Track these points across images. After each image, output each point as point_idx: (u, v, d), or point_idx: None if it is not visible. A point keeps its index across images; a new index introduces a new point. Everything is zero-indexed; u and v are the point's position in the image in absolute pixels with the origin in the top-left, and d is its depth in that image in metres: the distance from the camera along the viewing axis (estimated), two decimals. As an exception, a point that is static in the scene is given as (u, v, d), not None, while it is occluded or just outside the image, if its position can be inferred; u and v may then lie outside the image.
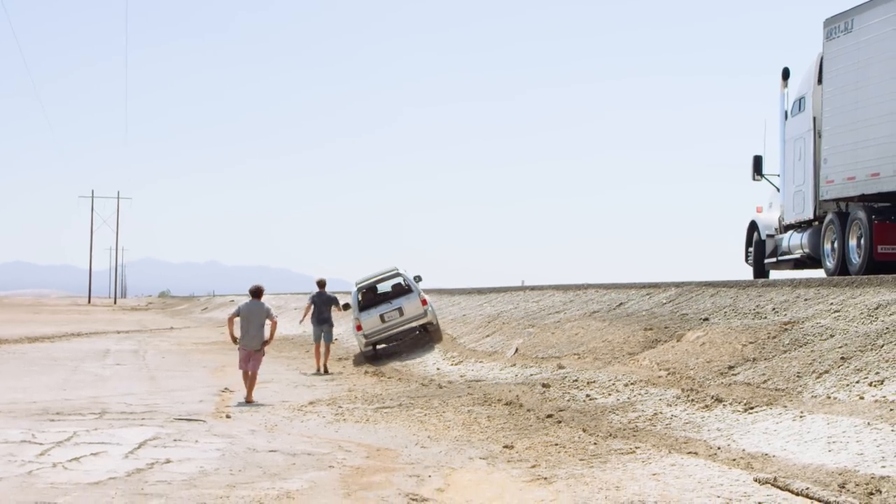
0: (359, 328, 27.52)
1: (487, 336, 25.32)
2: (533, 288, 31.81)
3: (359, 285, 28.44)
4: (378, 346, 28.15)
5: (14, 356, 29.84)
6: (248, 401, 18.04)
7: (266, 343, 18.67)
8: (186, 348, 35.81)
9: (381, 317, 27.53)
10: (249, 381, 18.37)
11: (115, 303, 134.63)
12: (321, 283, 26.49)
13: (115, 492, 9.93)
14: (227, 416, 15.98)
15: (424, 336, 28.14)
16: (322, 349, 25.48)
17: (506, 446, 12.29)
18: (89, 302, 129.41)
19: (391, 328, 27.65)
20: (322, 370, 25.01)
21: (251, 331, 18.46)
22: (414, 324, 27.85)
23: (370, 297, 28.41)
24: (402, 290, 28.26)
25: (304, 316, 26.67)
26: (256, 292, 18.85)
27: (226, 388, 20.49)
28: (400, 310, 27.60)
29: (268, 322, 18.63)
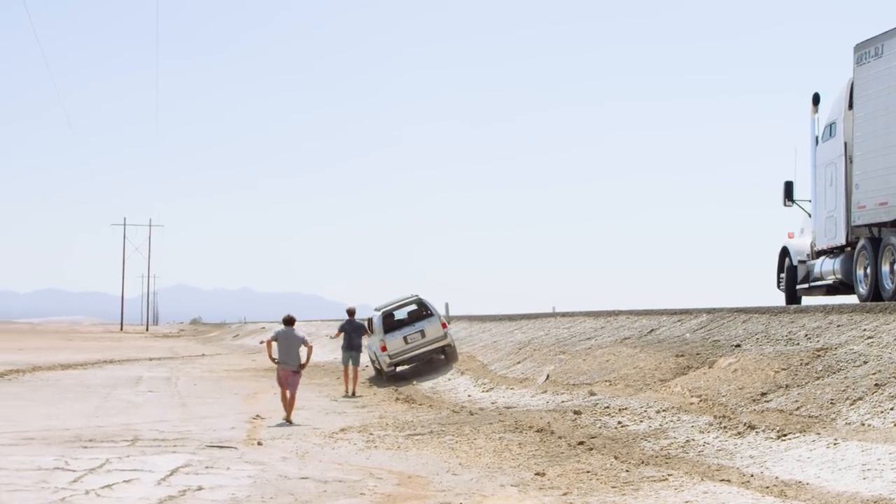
0: (383, 349, 29.33)
1: (518, 363, 25.28)
2: (564, 314, 31.75)
3: (382, 310, 30.22)
4: (398, 368, 29.93)
5: (47, 383, 30.03)
6: (288, 421, 19.39)
7: (303, 366, 20.31)
8: (218, 375, 35.94)
9: (405, 339, 29.48)
10: (289, 401, 19.77)
11: (147, 330, 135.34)
12: (351, 312, 28.08)
13: (147, 519, 9.97)
14: (259, 444, 16.01)
15: (451, 359, 29.39)
16: (350, 374, 26.63)
17: (537, 473, 12.26)
18: (121, 329, 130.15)
19: (413, 349, 29.51)
20: (351, 394, 26.00)
21: (288, 353, 20.13)
22: (434, 346, 29.69)
23: (391, 321, 30.17)
24: (422, 315, 30.10)
25: (337, 335, 28.15)
26: (290, 321, 20.60)
27: (257, 415, 20.54)
28: (422, 332, 29.51)
29: (303, 347, 20.25)
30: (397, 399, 23.92)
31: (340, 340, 27.87)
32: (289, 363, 20.08)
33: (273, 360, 20.32)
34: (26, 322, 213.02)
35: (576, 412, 16.70)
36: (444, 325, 29.96)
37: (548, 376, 21.79)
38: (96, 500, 10.90)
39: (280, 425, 18.89)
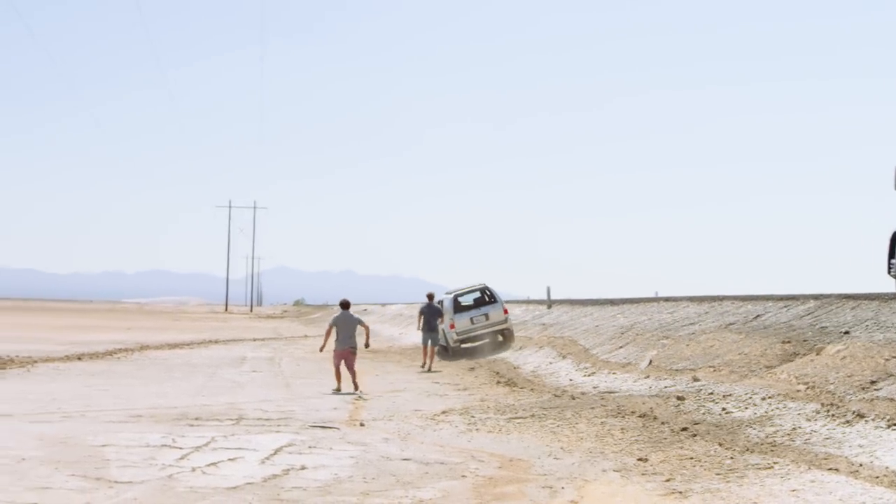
0: (452, 327, 33.44)
1: (620, 347, 25.11)
2: (667, 299, 31.45)
3: (454, 294, 34.79)
4: (463, 345, 34.07)
5: (155, 362, 30.62)
6: (356, 388, 21.71)
7: (366, 346, 23.22)
8: (321, 356, 36.25)
9: (471, 319, 33.95)
10: (353, 374, 22.06)
11: (251, 310, 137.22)
12: (430, 297, 31.33)
13: (252, 497, 10.10)
14: (361, 424, 16.12)
15: (508, 340, 33.75)
16: (428, 351, 30.13)
17: (640, 459, 12.15)
18: (226, 310, 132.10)
19: (478, 330, 33.95)
20: (427, 368, 29.43)
21: (345, 335, 22.27)
22: (496, 328, 34.08)
23: (460, 304, 34.65)
24: (487, 301, 34.52)
25: (419, 324, 31.00)
26: (345, 305, 22.95)
27: (359, 396, 20.70)
28: (486, 315, 33.95)
29: (360, 328, 22.59)
30: (498, 382, 23.91)
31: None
32: (344, 345, 22.21)
33: (322, 349, 23.24)
34: (134, 302, 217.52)
35: (679, 398, 16.53)
36: (505, 311, 34.21)
37: (650, 361, 21.60)
38: (202, 478, 11.06)
39: (344, 394, 21.39)
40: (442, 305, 33.17)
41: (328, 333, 22.58)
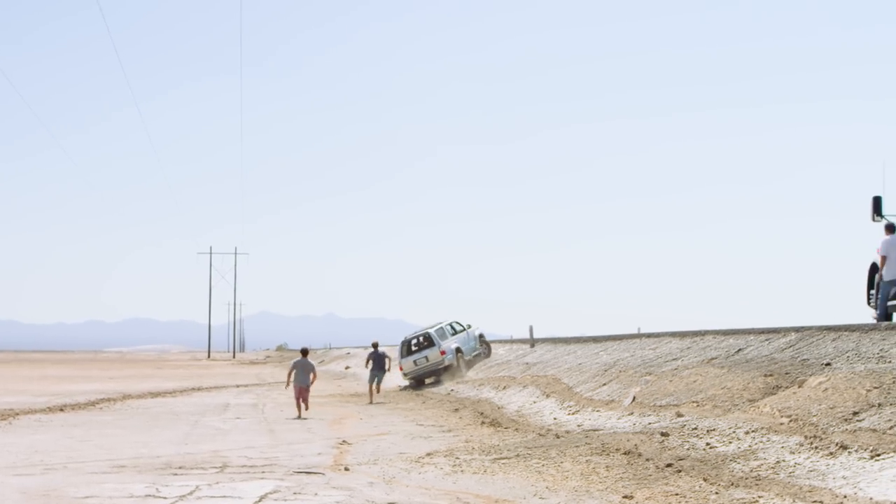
0: (400, 369, 42.20)
1: (604, 384, 25.12)
2: (649, 335, 31.52)
3: (403, 339, 43.10)
4: (416, 381, 42.06)
5: (138, 411, 30.46)
6: (302, 416, 27.58)
7: (310, 384, 28.55)
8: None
9: (415, 361, 42.10)
10: (306, 405, 28.26)
11: (233, 357, 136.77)
12: (375, 345, 37.59)
13: (237, 545, 10.04)
14: (346, 469, 16.06)
15: (452, 376, 40.94)
16: (374, 388, 35.45)
17: (625, 496, 12.15)
18: (209, 356, 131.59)
19: (422, 369, 42.01)
20: (370, 402, 34.47)
21: (301, 376, 28.32)
22: (437, 367, 41.44)
23: (406, 348, 42.63)
24: (427, 345, 42.01)
25: (366, 364, 36.59)
26: (304, 352, 29.56)
27: (343, 441, 20.63)
28: (426, 357, 41.78)
29: (312, 374, 28.47)
30: (483, 423, 23.89)
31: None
32: (304, 383, 28.18)
33: (288, 383, 28.66)
34: (116, 351, 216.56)
35: (663, 434, 16.54)
36: (442, 353, 41.26)
37: (634, 398, 21.62)
38: (187, 527, 11.01)
39: (296, 418, 26.90)
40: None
41: (289, 374, 28.59)
